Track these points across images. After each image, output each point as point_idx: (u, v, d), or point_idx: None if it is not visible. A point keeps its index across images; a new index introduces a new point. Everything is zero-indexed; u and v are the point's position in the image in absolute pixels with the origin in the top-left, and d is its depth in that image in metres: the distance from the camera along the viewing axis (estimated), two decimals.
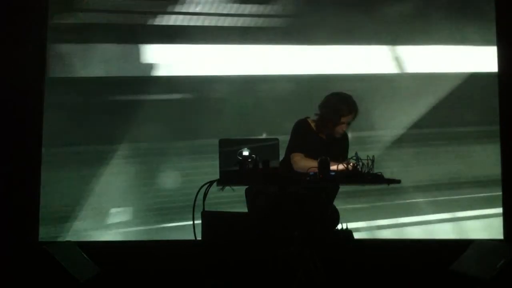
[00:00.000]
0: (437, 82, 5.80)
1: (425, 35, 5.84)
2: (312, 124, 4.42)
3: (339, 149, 4.35)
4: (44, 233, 5.39)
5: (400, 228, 5.72)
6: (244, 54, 5.82)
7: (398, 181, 3.81)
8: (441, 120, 5.80)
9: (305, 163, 4.04)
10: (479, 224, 5.70)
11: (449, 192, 5.73)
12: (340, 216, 4.30)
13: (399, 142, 5.75)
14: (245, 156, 3.72)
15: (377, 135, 5.76)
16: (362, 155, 3.80)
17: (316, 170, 3.76)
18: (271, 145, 3.82)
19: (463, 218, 5.72)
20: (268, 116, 5.64)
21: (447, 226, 5.71)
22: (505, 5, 5.60)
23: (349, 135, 4.61)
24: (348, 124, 4.38)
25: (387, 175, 3.84)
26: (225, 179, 3.72)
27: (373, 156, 3.79)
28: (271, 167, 3.71)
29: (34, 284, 4.30)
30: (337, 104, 4.31)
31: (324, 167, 3.75)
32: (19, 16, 5.43)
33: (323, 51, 5.84)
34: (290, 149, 4.32)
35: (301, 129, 4.40)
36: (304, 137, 4.35)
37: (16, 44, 5.39)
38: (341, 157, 4.11)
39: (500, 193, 5.49)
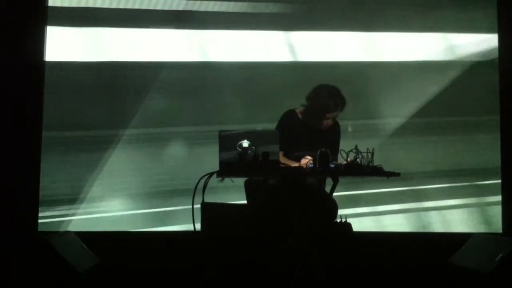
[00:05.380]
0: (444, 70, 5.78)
1: (431, 22, 5.80)
2: (300, 115, 4.37)
3: (330, 138, 4.29)
4: (44, 223, 5.39)
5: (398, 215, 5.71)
6: (248, 40, 5.78)
7: (398, 174, 3.81)
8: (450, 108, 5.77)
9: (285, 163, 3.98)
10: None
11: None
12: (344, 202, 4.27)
13: (404, 130, 5.71)
14: (244, 147, 3.71)
15: (381, 123, 5.73)
16: (367, 143, 3.80)
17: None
18: (271, 137, 3.81)
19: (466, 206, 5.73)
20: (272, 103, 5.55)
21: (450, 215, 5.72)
22: None
23: (353, 122, 4.54)
24: (334, 118, 4.31)
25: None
26: (225, 170, 3.71)
27: (373, 149, 3.79)
28: (271, 159, 3.70)
29: (33, 275, 4.30)
30: (324, 98, 4.23)
31: (323, 159, 3.74)
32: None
33: (327, 37, 5.80)
34: None
35: (285, 122, 4.34)
36: (289, 131, 4.26)
37: (15, 27, 5.36)
38: (333, 146, 4.08)
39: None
